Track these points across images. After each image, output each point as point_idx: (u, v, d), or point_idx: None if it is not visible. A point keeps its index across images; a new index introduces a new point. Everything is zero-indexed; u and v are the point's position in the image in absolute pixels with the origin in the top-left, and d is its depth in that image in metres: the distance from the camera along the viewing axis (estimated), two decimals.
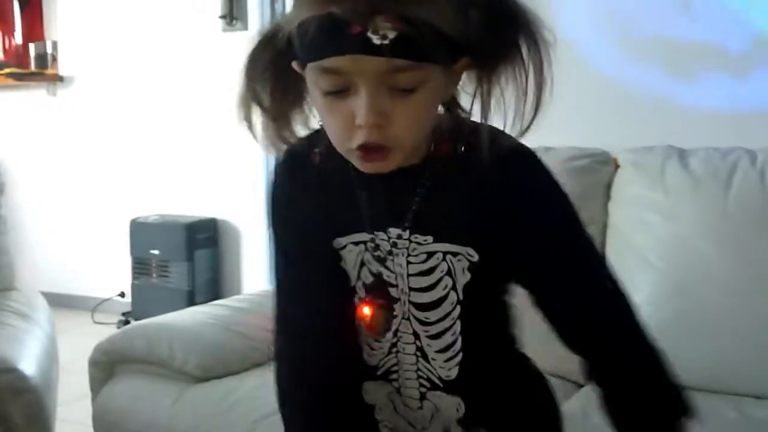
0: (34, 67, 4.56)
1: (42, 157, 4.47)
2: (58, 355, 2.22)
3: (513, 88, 0.84)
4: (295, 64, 0.85)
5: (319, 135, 0.90)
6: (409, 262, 0.90)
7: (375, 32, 0.76)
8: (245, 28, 3.67)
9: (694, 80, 2.34)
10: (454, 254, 0.89)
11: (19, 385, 1.85)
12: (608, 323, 0.92)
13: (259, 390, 1.76)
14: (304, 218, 0.95)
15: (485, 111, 0.85)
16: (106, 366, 1.92)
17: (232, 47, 3.70)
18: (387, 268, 0.92)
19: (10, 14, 4.98)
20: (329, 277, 0.95)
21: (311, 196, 0.94)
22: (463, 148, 0.88)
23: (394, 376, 0.95)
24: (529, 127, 0.84)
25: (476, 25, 0.81)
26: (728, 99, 2.24)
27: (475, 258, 0.89)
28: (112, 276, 4.17)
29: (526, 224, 0.88)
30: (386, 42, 0.76)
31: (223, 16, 3.70)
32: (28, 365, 1.91)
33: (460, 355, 0.92)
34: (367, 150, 0.82)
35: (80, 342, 2.49)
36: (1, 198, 2.55)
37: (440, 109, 0.89)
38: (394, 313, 0.92)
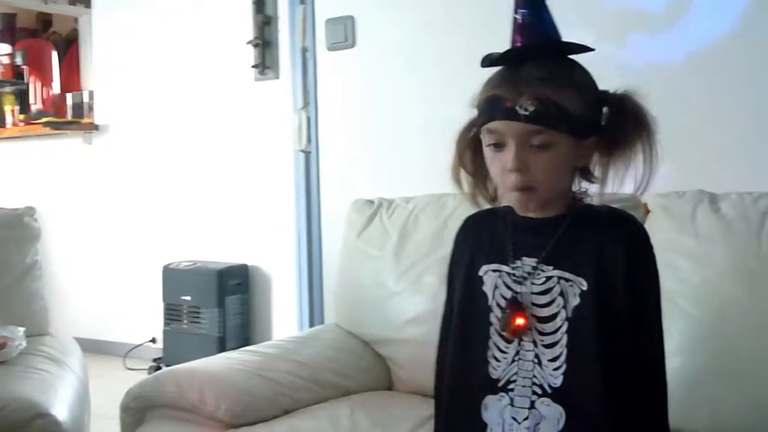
0: (70, 116, 4.67)
1: (77, 204, 4.55)
2: (90, 400, 2.23)
3: (627, 165, 1.16)
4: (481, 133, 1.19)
5: (490, 209, 1.28)
6: (533, 283, 1.20)
7: (519, 106, 1.10)
8: (276, 77, 3.73)
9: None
10: (567, 280, 1.18)
11: (52, 430, 1.86)
12: (646, 390, 1.18)
13: None
14: (467, 257, 1.29)
15: (604, 178, 1.17)
16: (137, 411, 1.93)
17: (264, 96, 3.76)
18: (515, 290, 1.21)
19: (49, 65, 5.12)
20: (473, 303, 1.26)
21: (476, 240, 1.30)
22: (591, 209, 1.20)
23: (512, 386, 1.20)
24: (642, 192, 1.17)
25: (607, 117, 1.17)
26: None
27: (585, 286, 1.17)
28: (143, 322, 4.20)
29: (628, 271, 1.17)
30: (525, 113, 1.10)
31: (255, 66, 3.76)
32: (61, 410, 1.93)
33: (565, 365, 1.16)
34: (516, 189, 1.15)
35: (112, 387, 2.51)
36: (37, 244, 2.59)
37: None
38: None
